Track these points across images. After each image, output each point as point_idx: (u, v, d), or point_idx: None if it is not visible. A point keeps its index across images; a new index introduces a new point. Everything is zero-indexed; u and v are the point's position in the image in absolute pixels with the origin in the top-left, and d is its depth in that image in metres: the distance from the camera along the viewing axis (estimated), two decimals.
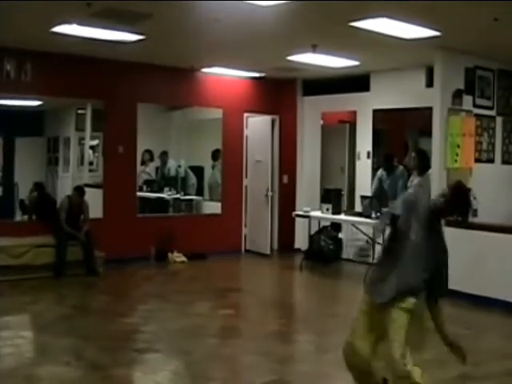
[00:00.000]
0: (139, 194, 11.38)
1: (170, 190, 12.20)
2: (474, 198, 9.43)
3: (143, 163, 11.98)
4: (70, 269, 9.28)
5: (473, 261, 8.45)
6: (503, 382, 5.59)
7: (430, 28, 7.33)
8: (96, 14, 7.06)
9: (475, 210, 9.09)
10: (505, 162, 10.01)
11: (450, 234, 8.72)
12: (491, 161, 9.74)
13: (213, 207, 12.08)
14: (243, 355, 6.27)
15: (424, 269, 4.16)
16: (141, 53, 9.60)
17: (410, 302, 4.14)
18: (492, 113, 9.68)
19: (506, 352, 6.43)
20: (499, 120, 9.84)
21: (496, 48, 8.63)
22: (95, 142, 11.76)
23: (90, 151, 11.94)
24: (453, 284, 8.37)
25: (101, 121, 10.81)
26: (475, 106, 9.30)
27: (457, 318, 7.65)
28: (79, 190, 9.77)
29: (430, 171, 9.09)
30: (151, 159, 12.27)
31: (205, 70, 11.15)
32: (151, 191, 12.23)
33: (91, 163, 11.90)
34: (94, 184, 10.91)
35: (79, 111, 11.97)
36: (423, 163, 9.27)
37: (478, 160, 9.38)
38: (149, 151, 12.10)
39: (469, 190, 4.58)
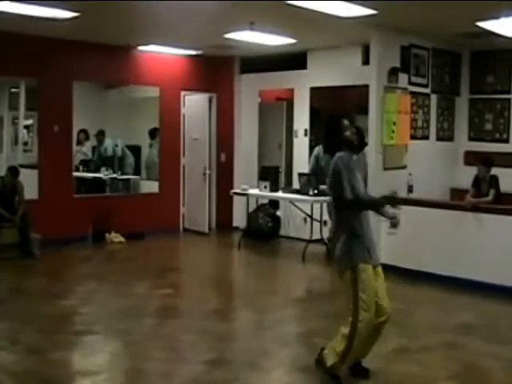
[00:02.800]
0: (75, 174, 11.18)
1: (107, 170, 12.03)
2: (410, 175, 9.74)
3: (79, 143, 11.78)
4: (5, 252, 9.10)
5: (408, 236, 8.58)
6: (439, 353, 5.72)
7: (367, 6, 7.36)
8: None
9: (411, 186, 9.30)
10: (439, 138, 10.19)
11: (386, 210, 8.90)
12: (426, 138, 9.90)
13: (150, 186, 11.99)
14: (182, 334, 6.27)
15: None
16: (76, 30, 9.40)
17: None
18: (427, 90, 9.82)
19: (442, 325, 6.58)
20: (434, 98, 9.99)
21: (431, 26, 8.73)
22: (29, 122, 11.51)
23: (25, 131, 11.70)
24: (389, 259, 8.54)
25: (35, 100, 10.57)
26: (410, 83, 9.42)
27: (393, 293, 7.79)
28: (13, 171, 9.55)
29: (367, 148, 9.22)
30: (87, 138, 12.07)
31: (141, 47, 11.00)
32: (88, 171, 12.04)
33: (26, 143, 11.66)
34: (29, 164, 10.68)
35: (12, 90, 11.70)
36: (360, 141, 9.40)
37: (413, 137, 9.52)
38: (84, 131, 11.88)
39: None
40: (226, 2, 7.33)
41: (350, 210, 4.72)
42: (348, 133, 4.78)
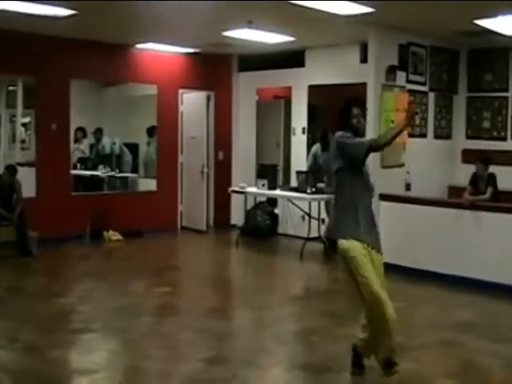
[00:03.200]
0: (73, 172, 11.18)
1: (105, 168, 12.02)
2: (408, 173, 9.75)
3: (77, 141, 11.77)
4: (3, 250, 9.08)
5: (407, 234, 8.61)
6: (437, 351, 5.72)
7: (365, 4, 7.36)
8: None
9: (409, 185, 9.31)
10: (437, 136, 10.19)
11: (384, 209, 8.97)
12: (424, 136, 9.90)
13: (148, 184, 11.98)
14: (181, 332, 6.26)
15: None
16: (73, 28, 9.39)
17: None
18: (425, 88, 9.82)
19: (440, 323, 6.58)
20: (431, 96, 9.99)
21: (429, 25, 8.73)
22: (27, 120, 11.50)
23: (22, 129, 11.69)
24: (388, 257, 8.55)
25: (33, 98, 10.56)
26: (408, 81, 9.42)
27: (392, 291, 7.80)
28: (11, 169, 9.54)
29: None
30: (84, 136, 12.06)
31: (139, 45, 10.99)
32: (85, 169, 12.04)
33: (23, 141, 11.65)
34: (27, 162, 10.67)
35: (10, 88, 11.69)
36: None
37: (411, 135, 9.51)
38: (81, 129, 11.87)
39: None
40: (224, 0, 7.32)
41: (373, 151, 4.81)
42: (354, 121, 4.77)
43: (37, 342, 5.74)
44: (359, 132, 4.80)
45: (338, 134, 4.79)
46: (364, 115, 4.85)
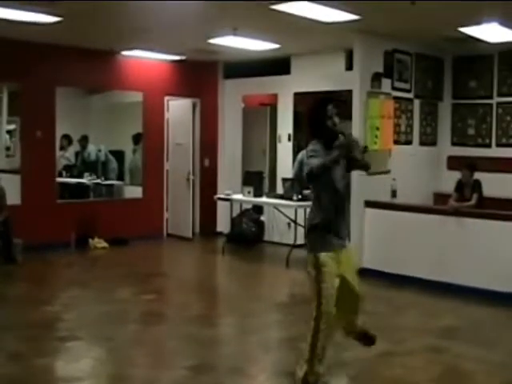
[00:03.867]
0: (59, 179, 11.13)
1: (91, 175, 11.98)
2: (394, 180, 9.77)
3: (62, 148, 11.72)
4: None
5: (392, 241, 8.65)
6: (424, 357, 5.73)
7: (350, 12, 7.39)
8: None
9: (394, 191, 9.34)
10: (422, 143, 10.24)
11: (369, 215, 9.00)
12: (409, 142, 9.94)
13: (134, 191, 11.95)
14: (167, 340, 6.25)
15: None
16: (59, 35, 9.37)
17: None
18: (410, 95, 9.87)
19: (425, 329, 6.60)
20: (417, 102, 10.04)
21: (414, 32, 8.79)
22: (12, 127, 11.44)
23: (7, 136, 11.61)
24: (373, 264, 8.56)
25: (18, 105, 10.51)
26: (394, 88, 9.46)
27: (376, 297, 7.82)
28: None
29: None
30: (70, 143, 12.00)
31: (125, 52, 10.97)
32: (71, 176, 11.99)
33: (8, 148, 11.57)
34: (12, 169, 10.62)
35: None
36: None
37: (396, 142, 9.56)
38: (67, 136, 11.79)
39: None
40: (209, 7, 7.32)
41: (313, 182, 4.67)
42: (330, 122, 4.50)
43: (21, 350, 5.70)
44: (334, 135, 4.50)
45: (309, 148, 4.61)
46: (339, 113, 4.54)
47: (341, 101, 4.77)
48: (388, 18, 7.90)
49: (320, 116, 4.52)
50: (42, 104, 10.39)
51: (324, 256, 4.55)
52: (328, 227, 4.60)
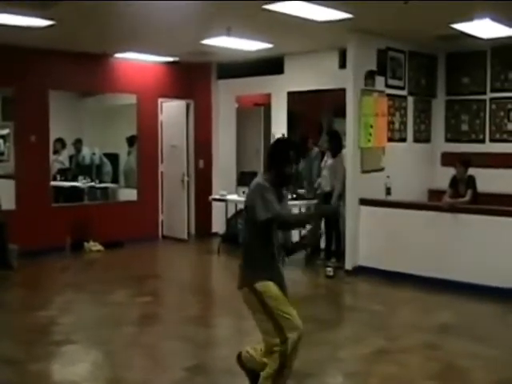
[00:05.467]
0: (53, 183, 11.11)
1: (85, 179, 11.95)
2: (388, 177, 9.76)
3: (56, 152, 11.69)
4: None
5: (387, 238, 8.65)
6: (419, 354, 5.73)
7: (343, 10, 7.37)
8: None
9: (389, 189, 9.34)
10: (416, 140, 10.24)
11: (364, 212, 8.99)
12: (403, 140, 9.94)
13: (129, 194, 11.93)
14: (163, 342, 6.23)
15: None
16: (51, 38, 9.33)
17: None
18: (403, 93, 9.88)
19: (421, 325, 6.61)
20: (410, 100, 10.05)
21: (407, 30, 8.78)
22: (6, 132, 11.41)
23: (1, 141, 11.58)
24: (368, 261, 8.57)
25: (11, 109, 10.48)
26: (387, 86, 9.46)
27: (371, 294, 7.83)
28: None
29: (344, 151, 9.25)
30: (63, 147, 11.98)
31: (118, 55, 10.96)
32: (65, 180, 11.95)
33: (2, 153, 11.54)
34: (6, 174, 10.60)
35: None
36: (336, 144, 9.44)
37: (390, 139, 9.56)
38: (60, 140, 11.77)
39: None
40: (202, 8, 7.29)
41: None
42: (288, 169, 4.45)
43: (17, 355, 5.68)
44: (288, 179, 4.53)
45: (259, 180, 4.54)
46: (298, 160, 4.63)
47: (298, 147, 4.72)
48: (381, 17, 7.89)
49: (281, 159, 4.50)
50: (36, 108, 10.37)
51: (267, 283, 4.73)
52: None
